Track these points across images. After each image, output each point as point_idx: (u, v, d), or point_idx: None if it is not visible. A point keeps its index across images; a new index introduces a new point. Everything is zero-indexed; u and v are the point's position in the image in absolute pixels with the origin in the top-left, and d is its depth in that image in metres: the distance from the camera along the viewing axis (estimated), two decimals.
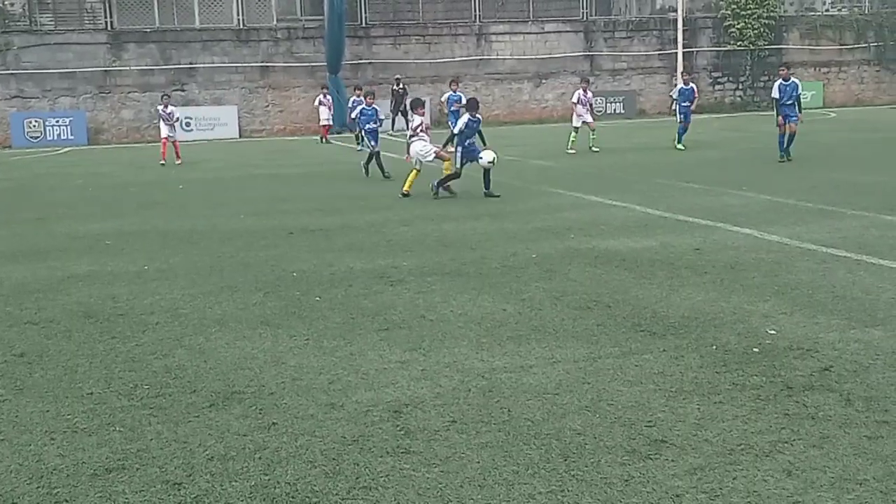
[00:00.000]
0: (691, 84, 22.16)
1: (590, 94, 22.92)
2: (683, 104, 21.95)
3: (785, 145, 18.21)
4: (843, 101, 39.44)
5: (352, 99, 25.87)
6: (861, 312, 6.89)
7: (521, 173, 17.32)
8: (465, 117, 14.68)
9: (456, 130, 14.77)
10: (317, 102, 30.24)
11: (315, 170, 20.75)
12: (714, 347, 6.14)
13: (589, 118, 22.47)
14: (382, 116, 17.64)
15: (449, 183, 14.73)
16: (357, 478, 4.30)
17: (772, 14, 38.61)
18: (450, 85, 25.35)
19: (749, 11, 38.12)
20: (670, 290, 7.85)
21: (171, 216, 13.67)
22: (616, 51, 38.11)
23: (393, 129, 31.01)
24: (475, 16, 36.70)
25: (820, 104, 38.81)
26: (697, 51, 38.73)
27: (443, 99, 24.64)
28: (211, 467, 4.47)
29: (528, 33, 37.32)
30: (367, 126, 17.81)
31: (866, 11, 40.86)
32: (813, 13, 40.35)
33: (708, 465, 4.27)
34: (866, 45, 40.54)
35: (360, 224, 12.19)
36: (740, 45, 38.50)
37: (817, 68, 40.36)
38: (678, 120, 22.16)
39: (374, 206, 13.93)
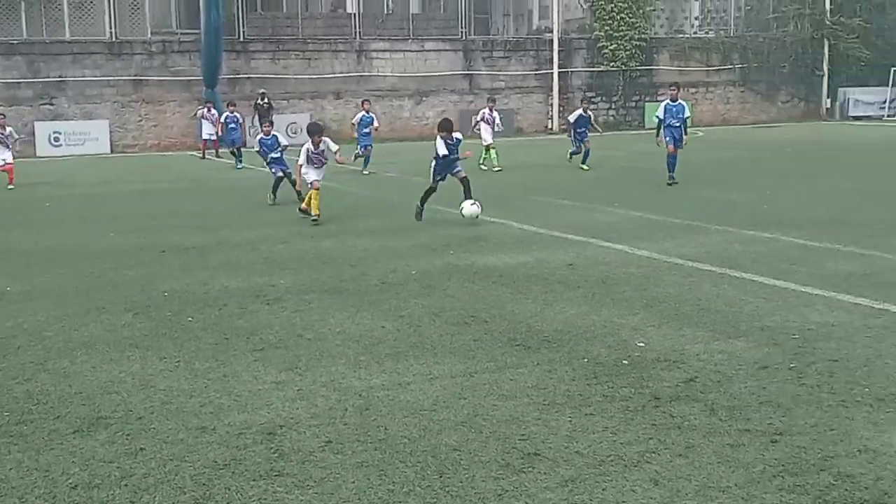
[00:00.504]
0: (589, 112, 21.90)
1: (496, 114, 22.82)
2: (579, 130, 21.64)
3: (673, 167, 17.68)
4: (710, 121, 41.06)
5: (224, 115, 25.32)
6: (725, 324, 7.17)
7: (401, 190, 17.35)
8: (441, 143, 13.38)
9: (441, 153, 13.38)
10: (199, 115, 29.38)
11: (190, 186, 20.28)
12: (586, 360, 6.28)
13: (489, 138, 22.36)
14: (285, 143, 16.52)
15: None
16: (228, 502, 4.20)
17: (643, 36, 39.96)
18: (362, 105, 23.48)
19: (621, 33, 39.35)
20: (545, 304, 8.00)
21: (35, 235, 13.11)
22: (494, 70, 38.72)
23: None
24: (355, 32, 36.66)
25: (689, 123, 40.28)
26: (572, 71, 39.72)
27: (354, 121, 22.72)
28: (74, 496, 4.29)
29: (408, 51, 37.51)
30: (271, 156, 16.35)
31: (732, 34, 42.76)
32: (682, 35, 41.96)
33: (579, 477, 4.36)
34: (732, 66, 42.38)
35: (237, 241, 11.97)
36: (613, 66, 39.67)
37: (686, 89, 41.76)
38: (574, 145, 21.93)
39: (251, 223, 13.71)
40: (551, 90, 38.77)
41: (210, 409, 5.46)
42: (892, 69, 42.01)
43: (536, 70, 39.18)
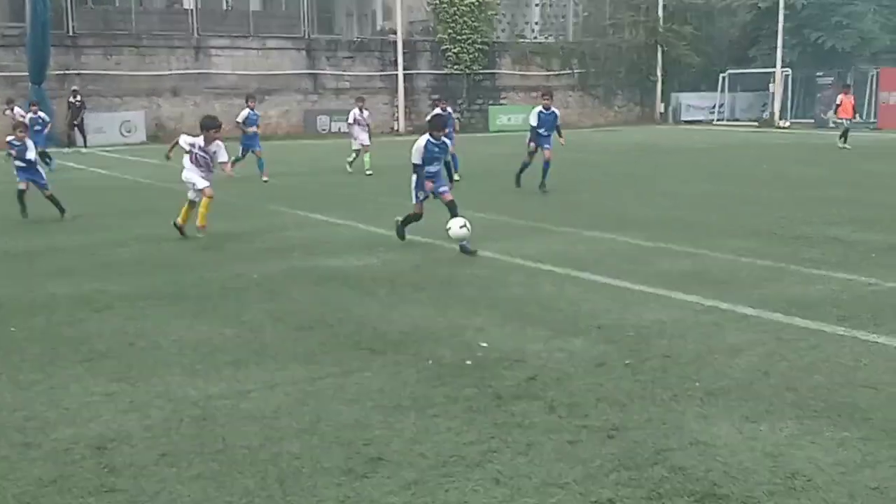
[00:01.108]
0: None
1: (367, 114, 21.36)
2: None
3: (541, 175, 16.70)
4: None
5: (28, 115, 23.52)
6: (565, 323, 7.34)
7: (244, 192, 16.95)
8: (424, 139, 10.76)
9: (417, 160, 10.77)
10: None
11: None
12: (430, 362, 6.28)
13: (366, 139, 21.02)
14: (32, 156, 13.74)
15: None
16: None
17: (485, 40, 40.68)
18: (247, 102, 20.96)
19: (465, 37, 39.94)
20: (391, 306, 7.97)
21: None
22: (339, 70, 38.51)
23: (69, 144, 29.68)
24: (193, 28, 35.66)
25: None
26: (417, 73, 39.99)
27: (239, 119, 20.15)
28: None
29: (249, 48, 36.79)
30: (16, 163, 13.89)
31: (570, 40, 44.12)
32: (523, 40, 42.98)
33: (422, 479, 4.34)
34: (571, 71, 43.73)
35: (70, 246, 11.38)
36: (457, 69, 40.21)
37: (527, 93, 42.91)
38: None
39: (87, 227, 13.08)
40: (396, 92, 38.89)
41: (36, 424, 5.14)
42: (721, 75, 44.41)
43: (381, 71, 39.23)
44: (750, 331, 6.98)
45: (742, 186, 17.13)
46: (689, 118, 44.12)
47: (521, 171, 17.20)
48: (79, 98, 30.40)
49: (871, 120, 40.37)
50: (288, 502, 4.14)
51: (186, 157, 11.75)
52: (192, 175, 11.72)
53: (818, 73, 41.45)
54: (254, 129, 20.35)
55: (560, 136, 17.15)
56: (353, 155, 21.25)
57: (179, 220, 11.80)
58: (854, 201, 13.71)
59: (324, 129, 37.28)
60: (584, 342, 6.75)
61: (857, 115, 29.61)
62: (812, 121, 40.86)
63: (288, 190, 17.81)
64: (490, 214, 13.83)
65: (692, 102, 45.05)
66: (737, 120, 44.09)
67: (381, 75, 39.25)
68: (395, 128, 39.07)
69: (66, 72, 32.78)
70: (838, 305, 7.71)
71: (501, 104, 42.00)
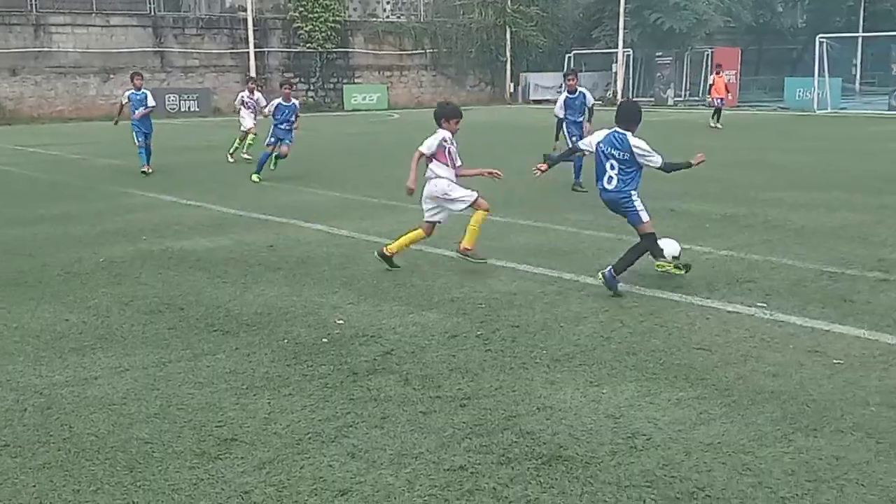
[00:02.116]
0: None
1: (258, 96, 19.25)
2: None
3: (574, 174, 13.90)
4: (405, 104, 42.36)
5: None
6: (419, 297, 7.45)
7: (87, 173, 16.32)
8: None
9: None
10: None
11: None
12: (286, 341, 6.27)
13: (250, 123, 18.90)
14: None
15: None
16: None
17: (337, 18, 40.36)
18: (132, 80, 17.38)
19: (316, 15, 39.50)
20: (244, 287, 7.88)
21: None
22: (187, 48, 37.43)
23: None
24: (32, 5, 33.87)
25: (385, 106, 41.35)
26: (269, 51, 39.31)
27: (123, 101, 17.07)
28: None
29: (92, 26, 35.29)
30: None
31: (422, 20, 44.30)
32: (375, 19, 42.88)
33: (277, 458, 4.35)
34: (424, 51, 43.95)
35: None
36: (310, 47, 39.76)
37: (381, 72, 42.94)
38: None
39: None
40: (248, 70, 38.12)
41: None
42: (567, 56, 45.58)
43: (232, 49, 38.36)
44: (592, 299, 7.28)
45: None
46: (538, 97, 45.12)
47: (575, 170, 13.84)
48: None
49: (707, 98, 42.34)
50: (139, 487, 4.07)
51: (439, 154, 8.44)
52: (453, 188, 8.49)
53: (657, 54, 43.14)
54: (142, 109, 16.82)
55: (590, 121, 13.94)
56: (249, 138, 18.97)
57: (393, 248, 8.59)
58: (687, 175, 14.43)
59: (173, 109, 36.17)
60: (438, 315, 6.88)
61: (730, 94, 29.86)
62: (652, 99, 42.51)
63: (135, 171, 17.22)
64: (345, 193, 13.83)
65: (540, 82, 46.08)
66: None
67: (231, 53, 38.38)
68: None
69: None
70: None
71: (356, 83, 41.84)
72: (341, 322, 6.72)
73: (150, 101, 16.87)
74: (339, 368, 5.68)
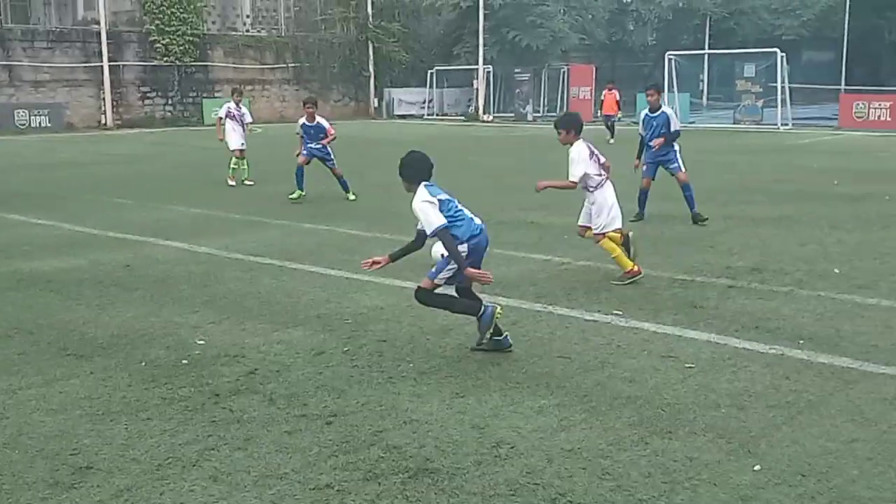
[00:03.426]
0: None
1: (244, 110, 17.40)
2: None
3: (687, 205, 11.81)
4: (268, 118, 41.73)
5: None
6: (284, 315, 7.36)
7: None
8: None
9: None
10: None
11: None
12: (143, 364, 6.08)
13: (236, 143, 16.92)
14: None
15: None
16: None
17: (195, 32, 39.47)
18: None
19: (173, 28, 38.52)
20: (99, 309, 7.60)
21: None
22: (37, 62, 35.85)
23: None
24: None
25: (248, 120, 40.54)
26: (124, 65, 38.08)
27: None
28: None
29: None
30: None
31: (283, 34, 43.87)
32: (235, 32, 42.18)
33: (135, 485, 4.21)
34: (286, 65, 43.49)
35: None
36: (167, 61, 38.73)
37: (242, 85, 42.15)
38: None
39: None
40: (102, 84, 36.83)
41: None
42: (429, 72, 46.01)
43: (85, 63, 36.97)
44: None
45: (447, 177, 17.88)
46: (402, 112, 45.35)
47: (640, 199, 12.11)
48: None
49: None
50: None
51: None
52: None
53: (516, 70, 44.06)
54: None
55: (668, 141, 11.69)
56: (232, 162, 17.09)
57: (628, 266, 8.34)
58: (549, 190, 14.78)
59: (23, 125, 34.56)
60: (304, 332, 6.82)
61: (619, 110, 28.62)
62: (512, 114, 43.37)
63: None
64: (206, 209, 13.54)
65: (404, 97, 46.33)
66: (445, 114, 45.85)
67: (84, 67, 36.97)
68: (103, 121, 36.99)
69: None
70: (535, 283, 8.33)
71: (216, 97, 40.95)
72: (202, 342, 6.57)
73: None
74: (200, 390, 5.54)
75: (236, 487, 4.19)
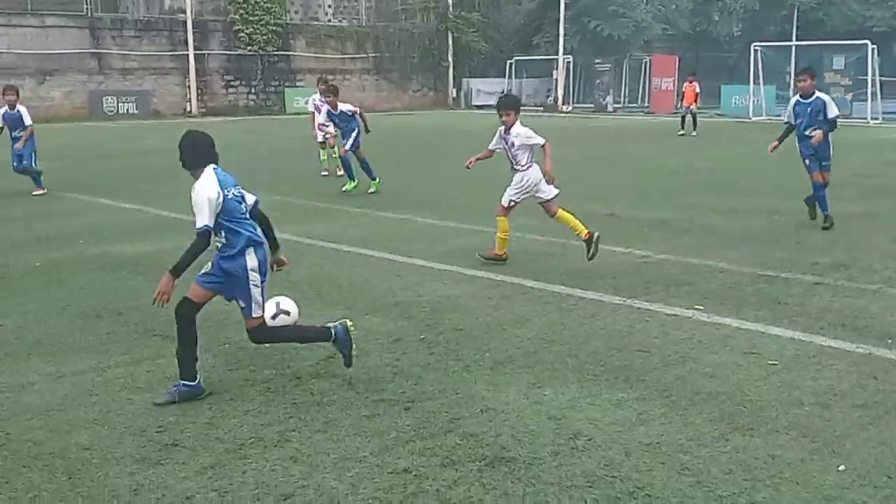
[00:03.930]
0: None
1: (324, 101, 15.48)
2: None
3: (819, 207, 11.07)
4: None
5: None
6: (362, 301, 7.44)
7: (18, 176, 15.93)
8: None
9: None
10: None
11: None
12: (227, 346, 6.22)
13: (320, 134, 16.41)
14: None
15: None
16: None
17: (278, 21, 40.06)
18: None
19: (257, 17, 39.16)
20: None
21: None
22: (126, 50, 36.83)
23: None
24: None
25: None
26: (209, 53, 38.86)
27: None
28: None
29: (26, 26, 34.52)
30: None
31: (364, 24, 44.21)
32: (317, 23, 42.66)
33: (218, 463, 4.32)
34: (366, 55, 43.85)
35: None
36: (251, 50, 39.40)
37: (324, 76, 42.68)
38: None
39: None
40: (188, 72, 37.66)
41: None
42: (508, 62, 45.86)
43: (171, 51, 37.85)
44: (535, 302, 7.35)
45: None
46: (480, 103, 45.30)
47: (820, 200, 11.11)
48: None
49: (646, 104, 43.02)
50: (78, 494, 4.01)
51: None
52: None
53: (597, 60, 43.62)
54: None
55: (828, 132, 10.90)
56: (322, 152, 16.97)
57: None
58: (627, 181, 14.61)
59: (111, 111, 35.60)
60: (382, 319, 6.88)
61: (698, 102, 27.84)
62: (592, 105, 42.95)
63: (71, 174, 16.89)
64: (288, 197, 13.73)
65: (482, 87, 46.26)
66: (524, 105, 45.62)
67: (170, 55, 37.86)
68: (188, 109, 37.85)
69: None
70: (615, 276, 8.24)
71: (298, 86, 41.54)
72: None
73: (27, 120, 14.34)
74: (281, 373, 5.65)
75: (316, 469, 4.26)
